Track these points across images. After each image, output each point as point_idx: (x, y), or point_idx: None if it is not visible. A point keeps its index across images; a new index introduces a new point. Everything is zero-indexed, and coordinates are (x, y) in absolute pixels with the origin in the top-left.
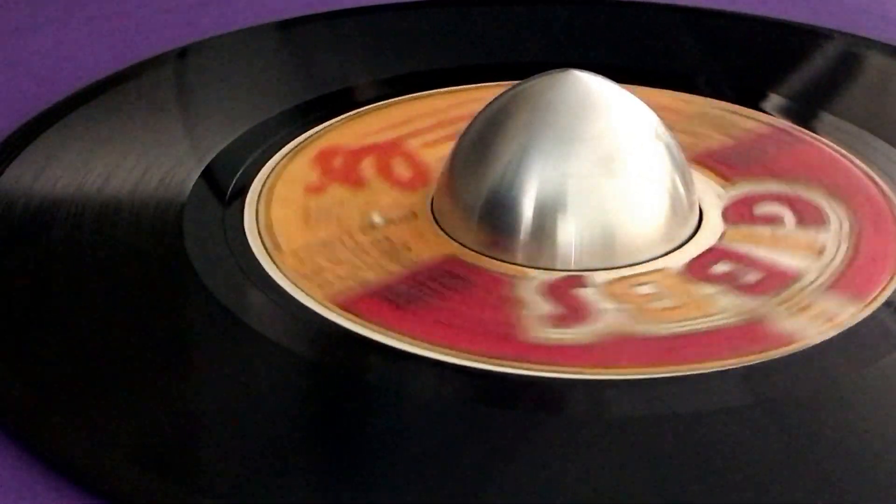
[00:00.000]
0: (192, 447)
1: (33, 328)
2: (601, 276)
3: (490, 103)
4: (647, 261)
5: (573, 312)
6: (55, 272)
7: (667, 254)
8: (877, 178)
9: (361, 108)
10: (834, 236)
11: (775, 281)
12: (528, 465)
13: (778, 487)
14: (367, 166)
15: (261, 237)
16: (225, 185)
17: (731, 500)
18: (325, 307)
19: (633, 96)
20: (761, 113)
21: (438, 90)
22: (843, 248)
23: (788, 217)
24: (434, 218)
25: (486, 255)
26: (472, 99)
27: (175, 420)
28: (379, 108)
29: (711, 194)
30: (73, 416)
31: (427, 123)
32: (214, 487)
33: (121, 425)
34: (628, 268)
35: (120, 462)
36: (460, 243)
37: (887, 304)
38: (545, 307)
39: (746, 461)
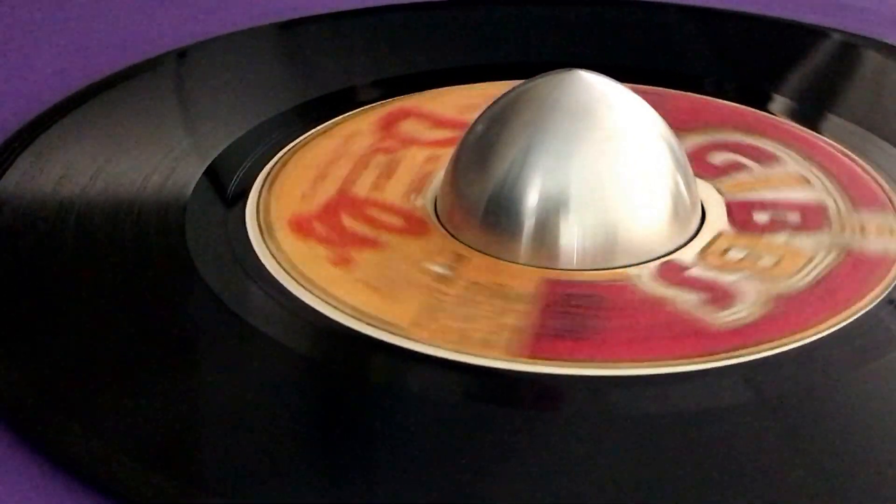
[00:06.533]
0: (193, 445)
1: (36, 327)
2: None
3: (494, 102)
4: (650, 260)
5: None
6: (58, 272)
7: (669, 253)
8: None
9: (362, 108)
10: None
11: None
12: (528, 463)
13: (780, 485)
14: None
15: (263, 237)
16: (227, 185)
17: (733, 498)
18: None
19: (636, 96)
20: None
21: (441, 90)
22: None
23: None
24: (437, 216)
25: (489, 255)
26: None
27: (177, 418)
28: (380, 109)
29: (713, 193)
30: (76, 413)
31: None
32: (216, 484)
33: (124, 423)
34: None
35: (122, 458)
36: (463, 242)
37: (889, 300)
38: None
39: (748, 459)
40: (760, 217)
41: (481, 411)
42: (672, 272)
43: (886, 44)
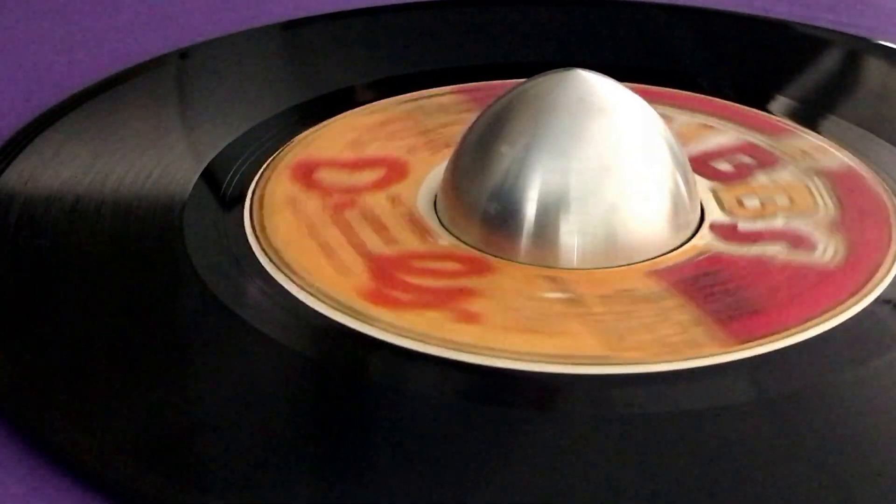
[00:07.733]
0: (191, 444)
1: (34, 326)
2: None
3: (493, 102)
4: (648, 259)
5: None
6: (56, 272)
7: (668, 252)
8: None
9: (361, 108)
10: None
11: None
12: (527, 462)
13: (779, 484)
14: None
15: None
16: (225, 186)
17: (732, 497)
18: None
19: (636, 95)
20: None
21: (439, 89)
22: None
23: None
24: (437, 216)
25: (489, 254)
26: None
27: (174, 417)
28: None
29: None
30: (74, 412)
31: None
32: (214, 484)
33: (121, 422)
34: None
35: (120, 457)
36: (463, 241)
37: (886, 300)
38: None
39: (747, 457)
40: (722, 166)
41: (481, 411)
42: (728, 231)
43: (888, 46)
